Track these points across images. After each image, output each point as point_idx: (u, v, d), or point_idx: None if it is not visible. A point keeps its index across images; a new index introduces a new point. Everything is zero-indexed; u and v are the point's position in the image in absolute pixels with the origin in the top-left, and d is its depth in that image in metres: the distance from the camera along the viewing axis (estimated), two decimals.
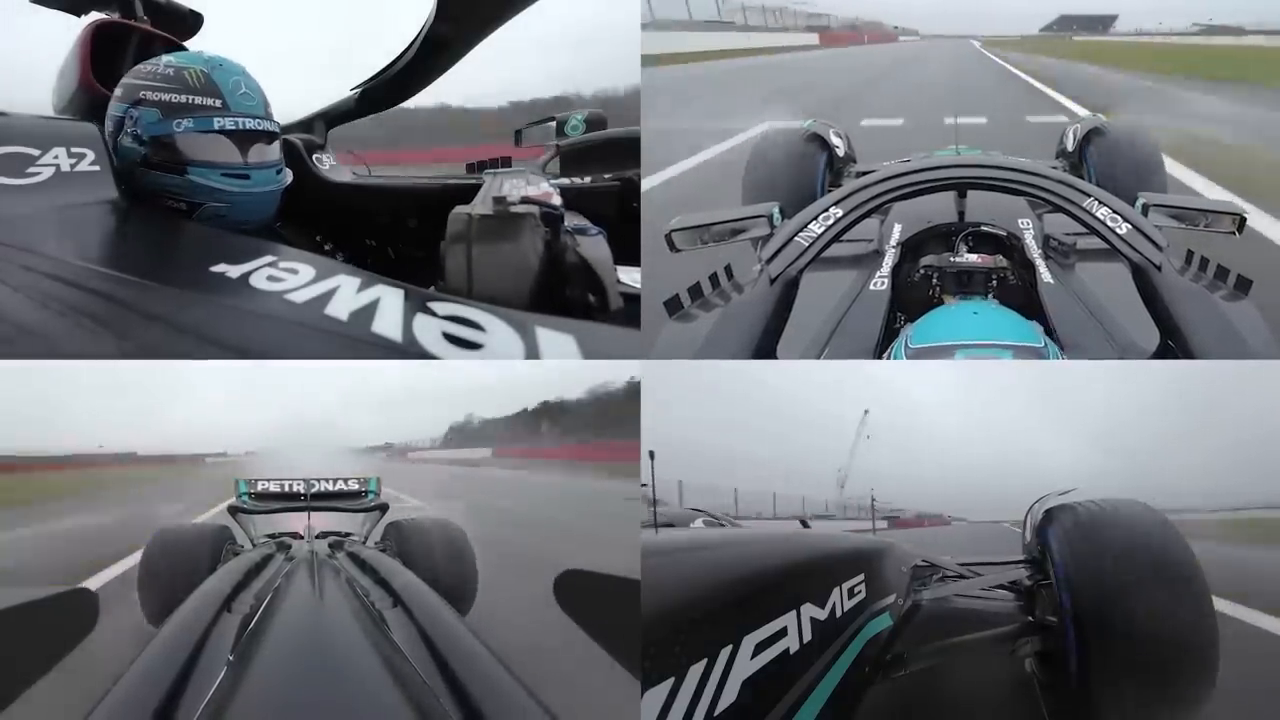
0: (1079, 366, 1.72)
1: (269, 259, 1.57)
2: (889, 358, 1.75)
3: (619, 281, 2.17)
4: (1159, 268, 1.88)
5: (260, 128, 2.06)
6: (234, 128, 2.00)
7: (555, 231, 2.10)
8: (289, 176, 2.18)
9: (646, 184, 2.74)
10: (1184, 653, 1.99)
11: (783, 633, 1.33)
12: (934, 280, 2.34)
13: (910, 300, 2.39)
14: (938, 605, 2.32)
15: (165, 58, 2.07)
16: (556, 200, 2.14)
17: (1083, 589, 2.09)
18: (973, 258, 2.35)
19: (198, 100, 1.98)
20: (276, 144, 2.14)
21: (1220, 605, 2.21)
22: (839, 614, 1.62)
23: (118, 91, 2.06)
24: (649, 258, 2.46)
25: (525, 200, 2.03)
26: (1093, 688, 2.03)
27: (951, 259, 2.35)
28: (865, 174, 2.16)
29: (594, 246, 2.14)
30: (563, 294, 2.07)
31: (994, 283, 2.33)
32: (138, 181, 2.02)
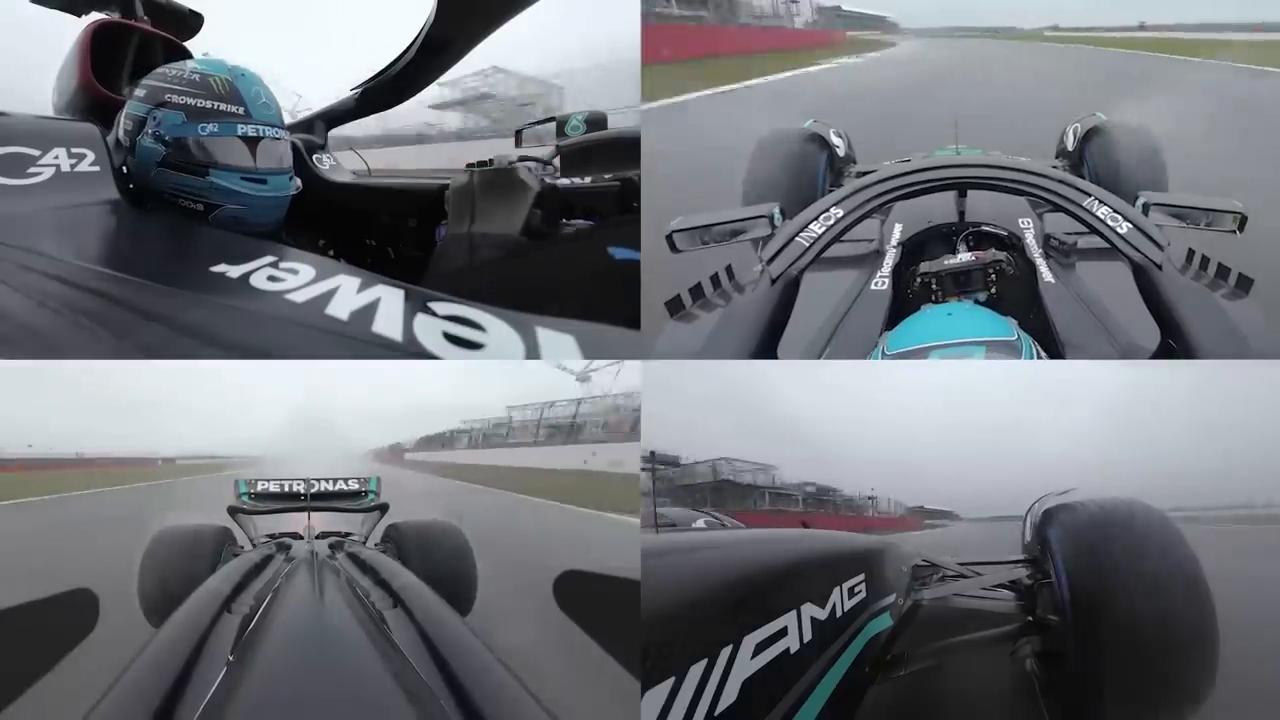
0: (1079, 366, 1.73)
1: (269, 259, 1.57)
2: None
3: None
4: (1160, 267, 1.88)
5: (277, 136, 2.14)
6: (255, 135, 2.08)
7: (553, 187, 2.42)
8: (299, 183, 2.24)
9: None
10: (1184, 651, 1.99)
11: (783, 632, 1.33)
12: (933, 286, 2.34)
13: (913, 307, 2.39)
14: (938, 605, 2.32)
15: (190, 63, 2.14)
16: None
17: (1084, 588, 2.09)
18: (965, 256, 2.35)
19: (222, 106, 2.05)
20: (289, 152, 2.22)
21: None
22: (839, 614, 1.62)
23: (139, 92, 2.10)
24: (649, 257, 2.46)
25: (523, 159, 2.31)
26: (1093, 686, 2.02)
27: (945, 263, 2.35)
28: (866, 174, 2.16)
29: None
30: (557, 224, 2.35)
31: (993, 277, 2.32)
32: (154, 182, 2.05)
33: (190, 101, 2.04)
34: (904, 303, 2.40)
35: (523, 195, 2.39)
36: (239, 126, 2.06)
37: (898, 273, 2.48)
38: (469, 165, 2.83)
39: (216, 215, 2.07)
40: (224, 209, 2.07)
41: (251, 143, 2.08)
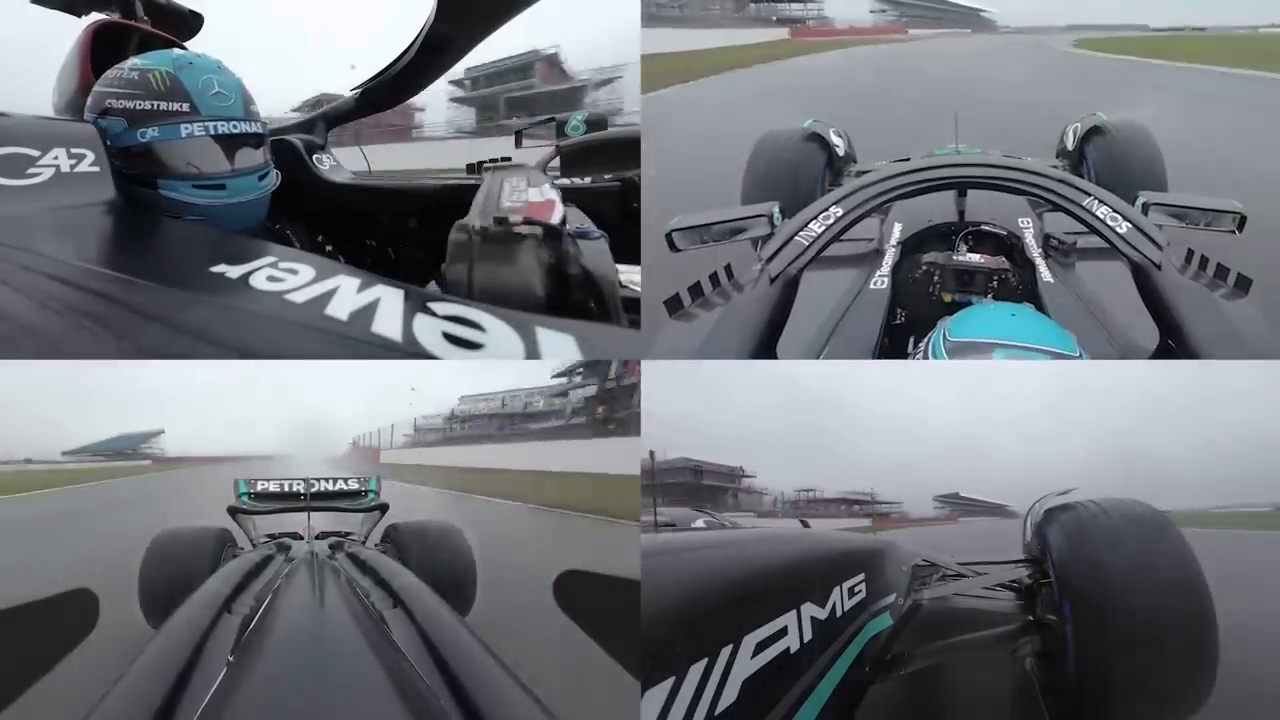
0: (1078, 366, 1.72)
1: (269, 259, 1.57)
2: (927, 348, 1.72)
3: (622, 285, 2.15)
4: (1159, 266, 1.88)
5: (236, 130, 1.92)
6: (203, 134, 1.88)
7: (557, 246, 1.95)
8: (275, 179, 2.07)
9: None
10: (1183, 652, 1.99)
11: (783, 632, 1.33)
12: (935, 277, 2.35)
13: (911, 296, 2.39)
14: (938, 605, 2.32)
15: (132, 60, 1.96)
16: (558, 212, 2.00)
17: (1081, 587, 2.10)
18: (975, 258, 2.35)
19: (163, 106, 1.87)
20: (259, 145, 2.00)
21: None
22: (839, 613, 1.62)
23: (89, 101, 1.96)
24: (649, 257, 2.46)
25: (528, 221, 1.89)
26: (1091, 685, 2.03)
27: (954, 257, 2.36)
28: (865, 173, 2.16)
29: (596, 254, 2.02)
30: (566, 303, 2.01)
31: (994, 284, 2.33)
32: (125, 193, 1.94)
33: (130, 105, 1.87)
34: (904, 298, 2.40)
35: (528, 283, 1.84)
36: (183, 127, 1.86)
37: (897, 271, 2.48)
38: (470, 168, 2.83)
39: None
40: (184, 218, 1.90)
41: (201, 144, 1.88)
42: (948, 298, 2.36)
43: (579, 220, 2.17)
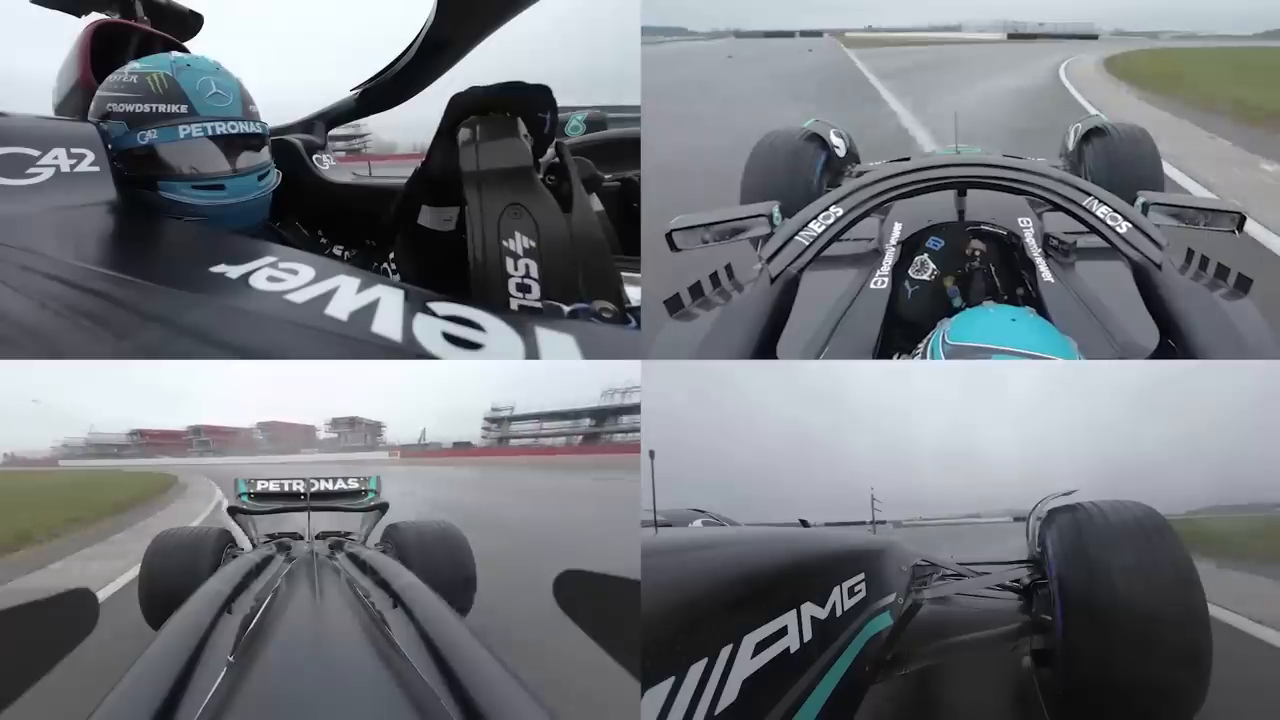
0: (1078, 366, 1.73)
1: (269, 259, 1.57)
2: (926, 349, 1.73)
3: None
4: (1159, 266, 1.88)
5: (235, 130, 1.93)
6: (202, 134, 1.90)
7: None
8: (276, 179, 2.08)
9: None
10: (1178, 653, 1.99)
11: (783, 632, 1.33)
12: (966, 268, 2.36)
13: (949, 251, 2.43)
14: (938, 604, 2.32)
15: (132, 64, 1.98)
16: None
17: (1078, 587, 2.10)
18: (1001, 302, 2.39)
19: (162, 108, 1.89)
20: (259, 145, 2.01)
21: None
22: (839, 613, 1.62)
23: (92, 106, 1.98)
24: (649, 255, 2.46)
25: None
26: (1087, 685, 2.02)
27: (988, 262, 2.38)
28: (864, 173, 2.16)
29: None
30: None
31: (991, 298, 2.35)
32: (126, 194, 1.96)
33: (129, 108, 1.89)
34: (941, 253, 2.40)
35: None
36: (181, 129, 1.88)
37: (897, 272, 2.48)
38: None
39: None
40: (184, 219, 1.91)
41: (200, 145, 1.89)
42: (949, 282, 2.37)
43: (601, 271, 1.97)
